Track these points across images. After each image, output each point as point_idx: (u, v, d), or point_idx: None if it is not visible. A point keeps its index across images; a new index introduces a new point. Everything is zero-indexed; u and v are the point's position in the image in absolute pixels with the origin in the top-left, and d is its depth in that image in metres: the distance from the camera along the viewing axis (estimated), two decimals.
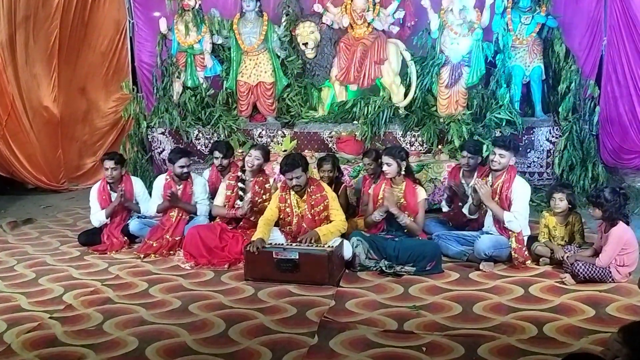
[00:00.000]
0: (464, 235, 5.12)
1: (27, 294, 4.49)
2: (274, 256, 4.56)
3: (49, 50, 8.18)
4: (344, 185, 5.82)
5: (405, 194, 4.99)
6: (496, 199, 4.85)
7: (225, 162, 5.92)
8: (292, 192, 4.91)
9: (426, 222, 5.45)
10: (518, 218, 4.76)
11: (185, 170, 5.60)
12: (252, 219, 5.19)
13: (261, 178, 5.34)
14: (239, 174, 5.34)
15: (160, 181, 5.75)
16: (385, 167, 4.97)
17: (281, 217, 4.95)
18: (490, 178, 4.95)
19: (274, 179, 5.53)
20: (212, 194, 5.84)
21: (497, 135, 6.77)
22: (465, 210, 5.17)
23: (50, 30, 8.13)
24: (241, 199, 5.27)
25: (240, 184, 5.30)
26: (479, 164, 5.50)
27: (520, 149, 6.74)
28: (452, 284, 4.56)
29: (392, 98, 7.46)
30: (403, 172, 5.00)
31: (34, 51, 8.02)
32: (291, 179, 4.81)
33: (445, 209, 5.71)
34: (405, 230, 4.97)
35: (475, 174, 5.32)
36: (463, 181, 5.57)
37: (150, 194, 5.88)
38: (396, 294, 4.37)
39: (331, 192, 4.98)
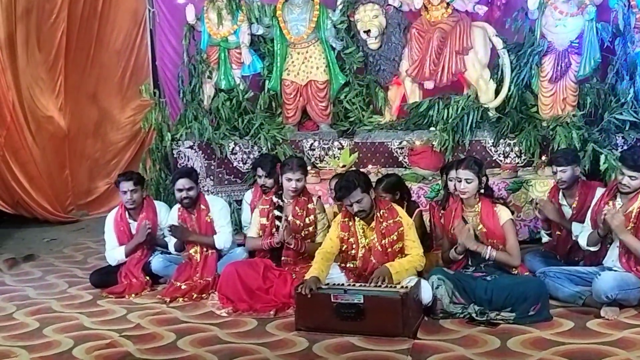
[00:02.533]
0: (579, 272, 5.00)
1: (30, 347, 4.59)
2: (332, 300, 4.55)
3: (55, 49, 8.48)
4: (418, 210, 5.77)
5: (482, 217, 4.92)
6: (630, 227, 4.74)
7: (269, 182, 5.97)
8: (357, 218, 4.91)
9: (527, 256, 5.40)
10: None
11: (185, 194, 5.64)
12: (292, 247, 5.21)
13: (302, 197, 5.38)
14: (274, 198, 5.39)
15: (174, 212, 5.84)
16: (462, 185, 4.90)
17: (343, 249, 4.94)
18: (619, 200, 4.87)
19: (318, 198, 5.54)
20: None
21: (623, 149, 6.55)
22: (582, 240, 5.05)
23: (55, 25, 8.44)
24: (278, 228, 5.33)
25: (276, 211, 5.35)
26: (577, 175, 5.46)
27: None
28: (565, 335, 4.45)
29: (479, 97, 7.41)
30: (482, 191, 4.95)
31: (36, 51, 8.32)
32: (351, 205, 4.81)
33: (545, 238, 5.60)
34: (498, 264, 4.89)
35: (596, 196, 5.22)
36: (564, 202, 5.49)
37: None
38: (491, 349, 4.29)
39: (407, 218, 4.95)
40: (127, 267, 5.75)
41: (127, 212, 5.88)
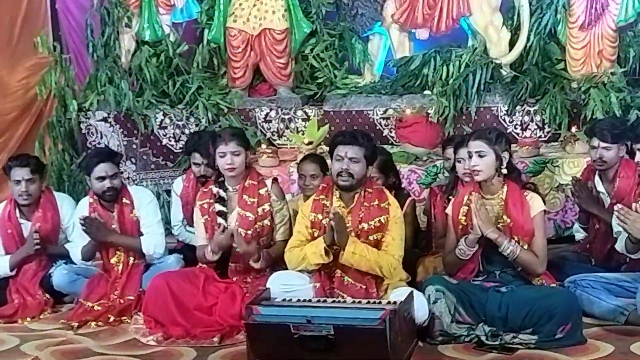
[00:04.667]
0: (620, 281, 5.07)
1: None
2: (292, 331, 4.51)
3: None
4: (411, 200, 5.79)
5: (508, 206, 4.92)
6: None
7: (210, 170, 5.96)
8: (335, 196, 4.95)
9: (554, 260, 5.42)
10: None
11: (109, 184, 5.57)
12: (256, 261, 5.17)
13: (250, 181, 5.35)
14: (214, 188, 5.37)
15: (83, 206, 5.77)
16: (474, 161, 4.89)
17: (315, 236, 4.96)
18: (600, 185, 5.17)
19: (273, 180, 5.52)
20: (190, 217, 5.88)
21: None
22: (619, 246, 5.10)
23: None
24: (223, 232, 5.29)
25: (217, 205, 5.34)
26: (622, 156, 5.51)
27: None
28: None
29: (488, 50, 7.45)
30: (504, 171, 4.97)
31: None
32: (342, 159, 4.84)
33: (579, 235, 5.65)
34: (519, 270, 4.92)
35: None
36: (600, 187, 5.56)
37: None
38: None
39: (398, 210, 4.99)
40: (19, 282, 5.70)
41: (17, 209, 5.82)
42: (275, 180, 5.57)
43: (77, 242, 5.78)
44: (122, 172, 5.87)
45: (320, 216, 4.95)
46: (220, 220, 5.28)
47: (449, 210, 5.15)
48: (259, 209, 5.32)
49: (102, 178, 5.57)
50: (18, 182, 5.72)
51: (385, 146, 7.05)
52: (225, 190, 5.36)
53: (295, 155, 6.98)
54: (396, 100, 7.42)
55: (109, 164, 5.60)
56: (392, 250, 4.90)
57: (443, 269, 5.17)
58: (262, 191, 5.37)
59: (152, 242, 5.66)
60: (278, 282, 4.96)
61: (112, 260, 5.63)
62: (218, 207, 5.31)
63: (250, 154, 5.49)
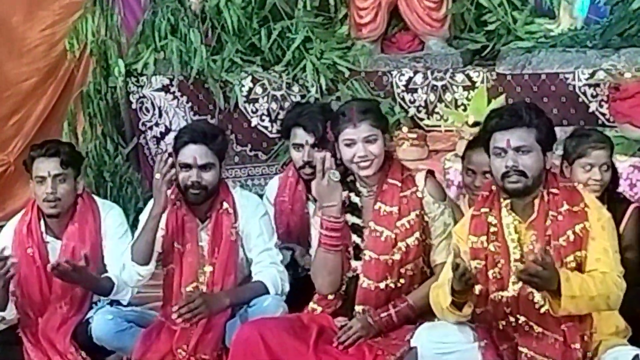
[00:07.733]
0: None
1: None
2: None
3: None
4: (635, 207, 5.73)
5: None
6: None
7: (321, 154, 5.97)
8: (505, 207, 4.91)
9: None
10: None
11: (196, 177, 5.55)
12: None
13: (391, 180, 5.33)
14: (344, 193, 5.35)
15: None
16: None
17: (478, 267, 4.91)
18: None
19: (427, 174, 5.44)
20: (287, 235, 6.01)
21: None
22: None
23: None
24: (357, 255, 5.31)
25: (350, 217, 5.34)
26: None
27: None
28: None
29: None
30: None
31: None
32: (503, 153, 4.80)
33: None
34: None
35: None
36: None
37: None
38: None
39: (601, 211, 4.91)
40: (42, 332, 5.80)
41: (42, 221, 5.94)
42: (430, 173, 5.48)
43: (121, 265, 5.81)
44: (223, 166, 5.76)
45: (483, 239, 4.92)
46: (355, 238, 5.28)
47: None
48: (402, 222, 5.28)
49: (189, 166, 5.57)
50: (42, 179, 5.77)
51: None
52: (359, 194, 5.37)
53: (454, 143, 6.97)
54: (610, 58, 7.34)
55: (201, 146, 5.58)
56: (604, 266, 4.77)
57: None
58: (406, 194, 5.32)
59: (277, 276, 5.65)
60: (429, 339, 4.91)
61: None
62: (350, 218, 5.30)
63: (388, 139, 5.44)
